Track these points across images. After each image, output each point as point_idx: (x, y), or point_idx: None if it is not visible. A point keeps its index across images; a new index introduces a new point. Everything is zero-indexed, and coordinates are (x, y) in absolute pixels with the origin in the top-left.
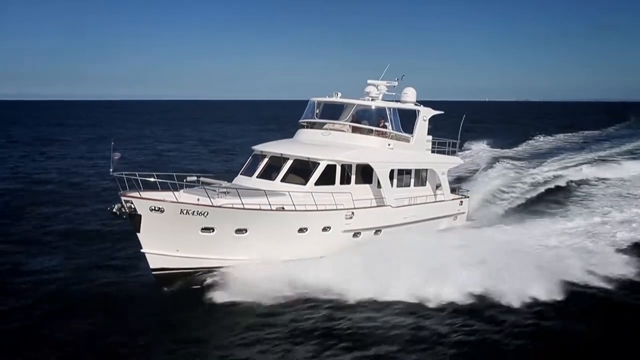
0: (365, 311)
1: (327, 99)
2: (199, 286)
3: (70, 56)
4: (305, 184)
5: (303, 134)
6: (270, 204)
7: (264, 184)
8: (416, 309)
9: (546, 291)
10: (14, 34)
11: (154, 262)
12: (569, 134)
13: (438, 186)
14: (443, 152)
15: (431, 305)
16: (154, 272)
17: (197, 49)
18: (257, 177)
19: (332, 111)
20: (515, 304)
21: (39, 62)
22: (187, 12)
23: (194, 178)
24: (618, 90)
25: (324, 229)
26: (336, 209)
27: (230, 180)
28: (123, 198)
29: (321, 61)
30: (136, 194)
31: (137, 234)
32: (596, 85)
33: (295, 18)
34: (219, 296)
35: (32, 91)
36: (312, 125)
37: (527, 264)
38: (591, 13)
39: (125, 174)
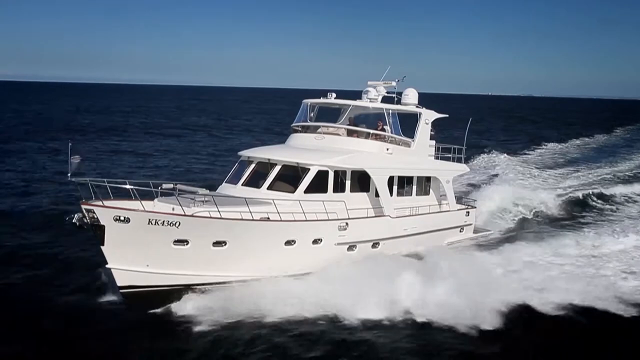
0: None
1: (321, 100)
2: (172, 306)
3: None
4: (293, 191)
5: (295, 139)
6: (252, 213)
7: (249, 192)
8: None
9: None
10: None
11: (121, 279)
12: (585, 138)
13: (442, 196)
14: (447, 159)
15: None
16: (121, 291)
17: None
18: (242, 184)
19: (328, 114)
20: None
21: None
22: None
23: (171, 185)
24: (632, 87)
25: (315, 242)
26: (328, 219)
27: (214, 188)
28: (84, 207)
29: (313, 51)
30: (98, 202)
31: (102, 247)
32: (604, 81)
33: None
34: (194, 318)
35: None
36: (305, 129)
37: None
38: (602, 6)
39: (90, 180)
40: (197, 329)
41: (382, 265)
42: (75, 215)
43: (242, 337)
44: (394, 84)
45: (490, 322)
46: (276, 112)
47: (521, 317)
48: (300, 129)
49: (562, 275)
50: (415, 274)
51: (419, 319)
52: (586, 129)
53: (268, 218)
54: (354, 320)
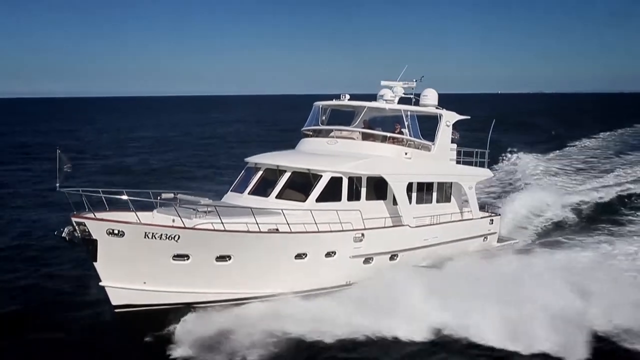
0: None
1: (333, 102)
2: (172, 327)
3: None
4: (304, 200)
5: (306, 144)
6: (259, 225)
7: (257, 202)
8: None
9: None
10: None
11: (116, 298)
12: (607, 132)
13: (464, 203)
14: (470, 164)
15: None
16: (116, 310)
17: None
18: (248, 193)
19: (341, 117)
20: None
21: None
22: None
23: (171, 195)
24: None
25: (328, 255)
26: (342, 230)
27: (218, 197)
28: (74, 220)
29: (324, 55)
30: (90, 215)
31: (94, 263)
32: (617, 76)
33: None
34: (196, 340)
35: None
36: (316, 134)
37: None
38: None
39: (82, 191)
40: (197, 351)
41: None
42: (65, 228)
43: None
44: (411, 84)
45: None
46: (281, 119)
47: None
48: (311, 133)
49: None
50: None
51: None
52: (609, 124)
53: (277, 230)
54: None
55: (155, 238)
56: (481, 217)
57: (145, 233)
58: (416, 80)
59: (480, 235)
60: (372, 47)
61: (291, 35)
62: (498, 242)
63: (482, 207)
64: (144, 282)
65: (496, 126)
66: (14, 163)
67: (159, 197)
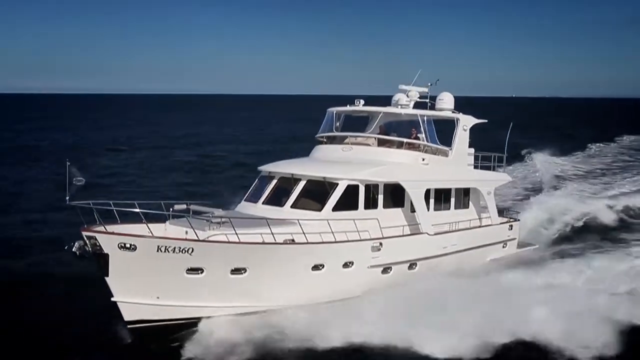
0: None
1: (347, 108)
2: (186, 343)
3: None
4: (320, 209)
5: (320, 151)
6: (274, 235)
7: (271, 212)
8: None
9: None
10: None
11: (129, 314)
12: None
13: (483, 208)
14: (487, 168)
15: None
16: (129, 326)
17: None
18: (262, 203)
19: (356, 123)
20: None
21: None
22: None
23: (184, 206)
24: None
25: (345, 265)
26: (360, 240)
27: (232, 207)
28: (85, 234)
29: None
30: (101, 228)
31: (106, 278)
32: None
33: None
34: (213, 355)
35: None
36: (331, 140)
37: None
38: (633, 5)
39: (93, 204)
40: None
41: None
42: (76, 243)
43: None
44: (426, 89)
45: None
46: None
47: None
48: (325, 140)
49: None
50: None
51: None
52: (630, 129)
53: (293, 240)
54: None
55: (168, 251)
56: (500, 223)
57: (158, 246)
58: (431, 84)
59: (500, 242)
60: (384, 49)
61: (298, 35)
62: (518, 248)
63: (500, 212)
64: (157, 297)
65: (513, 130)
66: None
67: (171, 209)
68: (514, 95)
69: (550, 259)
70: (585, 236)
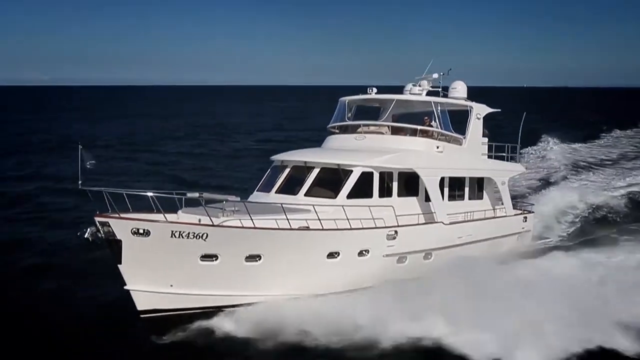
0: None
1: (359, 97)
2: (201, 333)
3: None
4: (335, 197)
5: (332, 141)
6: (290, 222)
7: (284, 200)
8: None
9: None
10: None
11: (141, 302)
12: None
13: (497, 199)
14: (501, 159)
15: None
16: (142, 316)
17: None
18: (275, 192)
19: (367, 114)
20: None
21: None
22: None
23: (196, 195)
24: None
25: (361, 253)
26: (375, 227)
27: (244, 198)
28: (98, 220)
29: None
30: (114, 214)
31: (119, 265)
32: None
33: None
34: (227, 346)
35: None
36: (343, 130)
37: None
38: None
39: (105, 190)
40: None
41: None
42: (88, 229)
43: None
44: (435, 75)
45: None
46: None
47: None
48: (337, 130)
49: None
50: None
51: None
52: None
53: (307, 227)
54: None
55: (182, 237)
56: (515, 215)
57: (172, 232)
58: (443, 74)
59: (515, 234)
60: (395, 41)
61: (306, 26)
62: (532, 240)
63: (514, 204)
64: (171, 285)
65: (526, 119)
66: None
67: (183, 198)
68: (525, 86)
69: (565, 250)
70: (603, 227)
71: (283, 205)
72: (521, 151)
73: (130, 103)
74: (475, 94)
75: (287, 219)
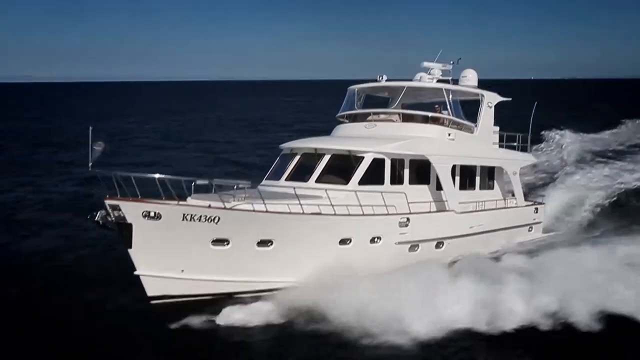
0: None
1: (369, 85)
2: (212, 320)
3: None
4: (346, 183)
5: (342, 129)
6: (302, 206)
7: (295, 187)
8: None
9: None
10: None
11: (152, 288)
12: None
13: (508, 190)
14: (512, 149)
15: None
16: (152, 302)
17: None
18: (285, 179)
19: (376, 104)
20: None
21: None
22: None
23: (206, 182)
24: None
25: (373, 240)
26: (388, 214)
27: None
28: (108, 203)
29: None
30: (125, 198)
31: (129, 250)
32: None
33: None
34: (239, 335)
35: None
36: (352, 119)
37: None
38: None
39: (115, 173)
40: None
41: None
42: (98, 212)
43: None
44: (449, 66)
45: None
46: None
47: None
48: (346, 119)
49: None
50: None
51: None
52: None
53: (320, 213)
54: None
55: (194, 220)
56: (526, 205)
57: (184, 215)
58: (453, 63)
59: (526, 225)
60: (405, 33)
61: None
62: (542, 232)
63: (524, 195)
64: (182, 270)
65: (536, 112)
66: None
67: (193, 184)
68: (532, 78)
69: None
70: (613, 219)
71: (296, 187)
72: (531, 143)
73: (137, 98)
74: (481, 86)
75: (300, 204)
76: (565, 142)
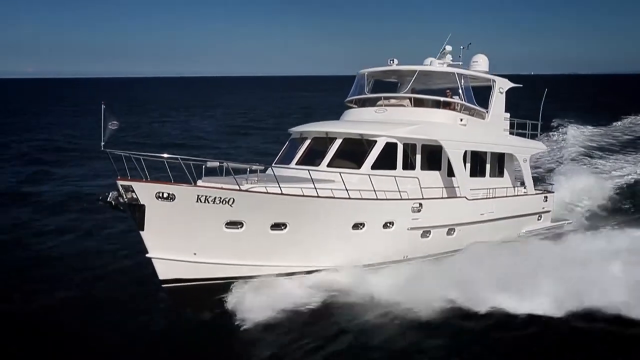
0: None
1: (379, 68)
2: (225, 305)
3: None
4: (359, 167)
5: (351, 114)
6: (317, 189)
7: (306, 172)
8: None
9: None
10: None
11: (164, 272)
12: None
13: (518, 177)
14: (522, 136)
15: None
16: (164, 285)
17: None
18: (296, 164)
19: (386, 89)
20: None
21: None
22: None
23: (216, 164)
24: None
25: (386, 225)
26: (401, 199)
27: (263, 170)
28: (121, 183)
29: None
30: (138, 179)
31: (141, 232)
32: None
33: None
34: (251, 319)
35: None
36: (362, 103)
37: None
38: None
39: (126, 154)
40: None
41: None
42: (110, 193)
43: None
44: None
45: None
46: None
47: None
48: (355, 104)
49: None
50: None
51: None
52: None
53: (333, 196)
54: None
55: (208, 202)
56: (535, 194)
57: (198, 196)
58: (463, 47)
59: (535, 213)
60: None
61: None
62: (551, 222)
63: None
64: (195, 253)
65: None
66: None
67: (204, 166)
68: (532, 73)
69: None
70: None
71: (310, 170)
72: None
73: (146, 94)
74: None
75: (315, 188)
76: (572, 133)
